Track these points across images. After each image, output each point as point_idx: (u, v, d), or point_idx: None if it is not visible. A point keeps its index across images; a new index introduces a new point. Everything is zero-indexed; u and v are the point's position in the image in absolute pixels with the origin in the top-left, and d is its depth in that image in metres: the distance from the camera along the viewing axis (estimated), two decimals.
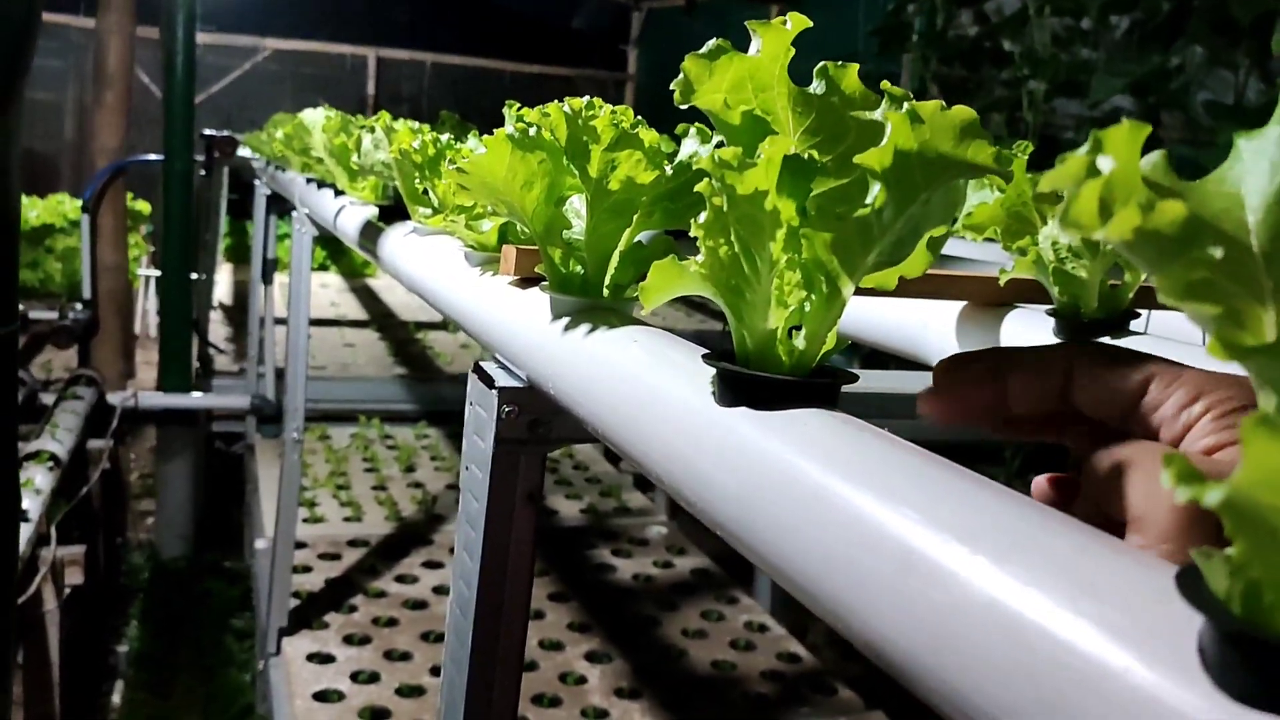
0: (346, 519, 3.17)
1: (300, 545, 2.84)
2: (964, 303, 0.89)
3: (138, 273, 5.48)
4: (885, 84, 0.49)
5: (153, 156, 3.96)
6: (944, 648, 0.31)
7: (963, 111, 0.43)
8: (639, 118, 0.71)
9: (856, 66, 0.50)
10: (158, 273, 5.12)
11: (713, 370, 0.48)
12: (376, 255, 1.27)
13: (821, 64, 0.50)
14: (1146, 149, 0.27)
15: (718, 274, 0.46)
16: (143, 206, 5.47)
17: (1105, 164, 0.26)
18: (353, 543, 2.99)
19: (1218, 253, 0.23)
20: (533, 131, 0.65)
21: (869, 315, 0.96)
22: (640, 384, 0.53)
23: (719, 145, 0.56)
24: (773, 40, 0.47)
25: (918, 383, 0.82)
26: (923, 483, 0.36)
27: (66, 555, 2.26)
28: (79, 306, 3.52)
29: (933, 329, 0.91)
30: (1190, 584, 0.25)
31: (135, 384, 4.30)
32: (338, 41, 8.22)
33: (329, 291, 6.36)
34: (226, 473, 4.25)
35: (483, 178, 0.66)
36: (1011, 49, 3.77)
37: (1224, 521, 0.23)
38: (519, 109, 0.88)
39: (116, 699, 2.98)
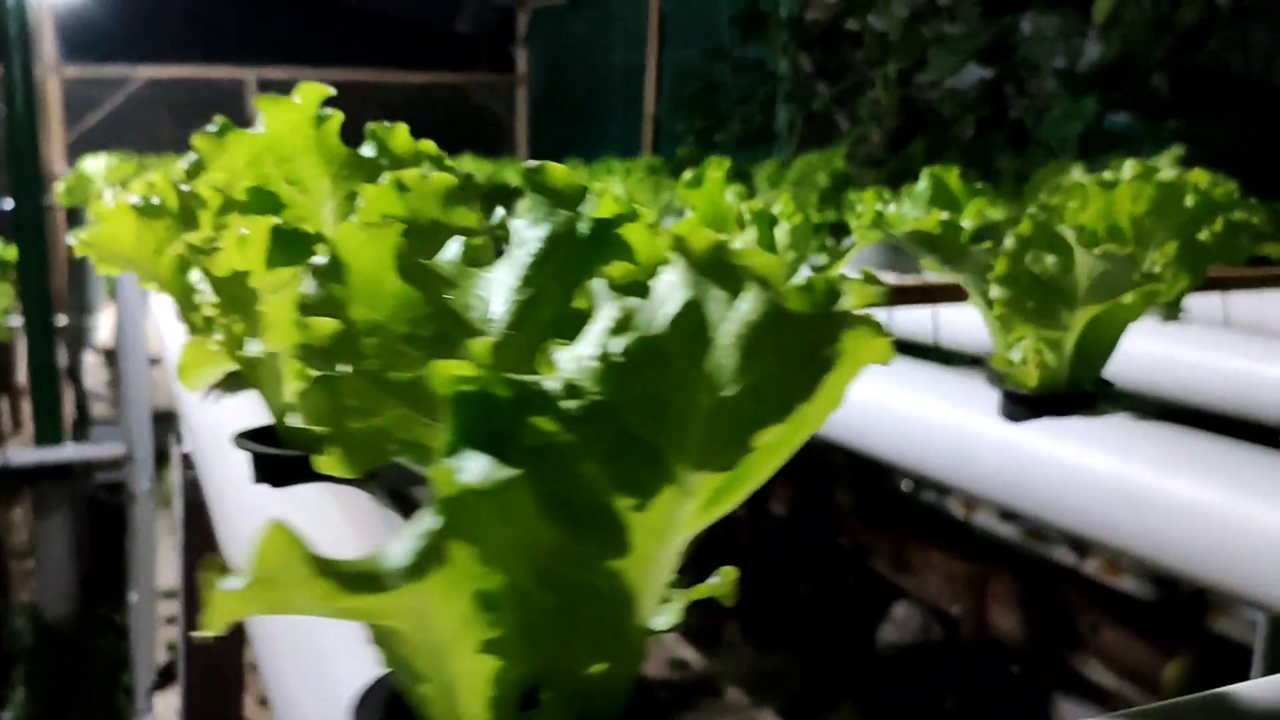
0: None
1: (172, 595, 2.76)
2: None
3: (7, 324, 5.28)
4: (424, 143, 0.48)
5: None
6: None
7: (444, 179, 0.42)
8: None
9: (405, 126, 0.50)
10: None
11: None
12: None
13: (370, 125, 0.49)
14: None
15: (235, 350, 0.44)
16: (10, 254, 5.27)
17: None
18: None
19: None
20: (155, 200, 0.63)
21: None
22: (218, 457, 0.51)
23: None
24: (282, 115, 0.46)
25: None
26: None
27: None
28: None
29: None
30: None
31: (20, 439, 4.16)
32: (214, 64, 8.00)
33: None
34: (113, 524, 4.13)
35: (110, 248, 0.64)
36: (866, 29, 3.82)
37: None
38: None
39: None
